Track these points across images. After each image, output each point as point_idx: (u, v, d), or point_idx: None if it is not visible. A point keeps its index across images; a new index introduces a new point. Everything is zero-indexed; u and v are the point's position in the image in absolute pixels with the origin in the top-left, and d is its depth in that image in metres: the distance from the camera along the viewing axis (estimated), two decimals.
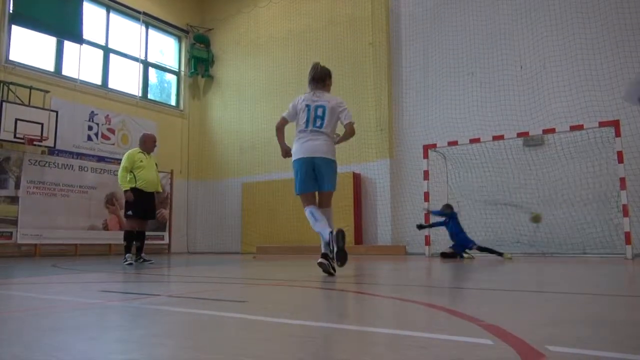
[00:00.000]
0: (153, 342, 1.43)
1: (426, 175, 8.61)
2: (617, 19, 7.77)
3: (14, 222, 8.78)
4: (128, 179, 6.20)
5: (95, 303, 2.34)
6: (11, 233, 8.74)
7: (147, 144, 6.43)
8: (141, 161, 6.26)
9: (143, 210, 6.25)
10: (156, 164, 6.54)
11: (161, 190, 6.94)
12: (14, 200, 8.83)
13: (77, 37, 10.14)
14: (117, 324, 1.80)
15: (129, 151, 6.40)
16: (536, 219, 6.87)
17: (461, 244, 7.10)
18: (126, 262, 5.91)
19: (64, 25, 9.91)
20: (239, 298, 2.49)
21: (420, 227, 7.63)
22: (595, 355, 1.17)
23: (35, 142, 8.86)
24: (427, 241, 8.26)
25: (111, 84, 11.20)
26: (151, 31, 12.46)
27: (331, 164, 3.97)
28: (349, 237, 9.51)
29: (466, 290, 2.89)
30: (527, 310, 2.04)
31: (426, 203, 8.24)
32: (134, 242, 6.29)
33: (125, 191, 6.13)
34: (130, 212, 6.19)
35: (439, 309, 1.95)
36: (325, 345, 1.36)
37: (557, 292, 2.70)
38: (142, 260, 6.27)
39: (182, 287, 3.31)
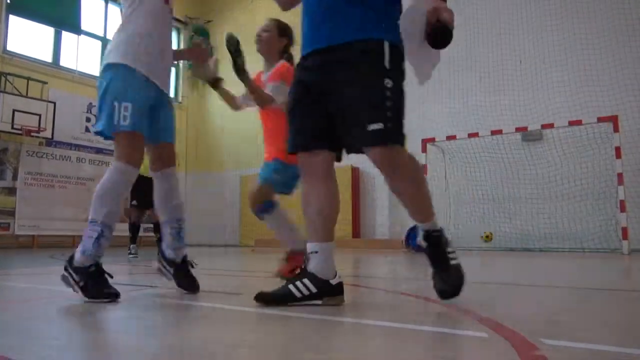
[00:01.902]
0: (149, 332, 1.43)
1: (425, 169, 8.60)
2: (617, 14, 7.74)
3: (12, 213, 8.77)
4: None
5: None
6: (9, 224, 8.73)
7: None
8: None
9: (144, 198, 5.70)
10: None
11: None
12: (11, 191, 8.81)
13: (75, 27, 10.06)
14: (115, 314, 1.81)
15: None
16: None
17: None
18: (130, 254, 5.76)
19: (62, 15, 9.83)
20: (235, 290, 2.49)
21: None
22: (591, 349, 1.17)
23: (33, 134, 8.82)
24: None
25: None
26: None
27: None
28: (347, 231, 9.52)
29: None
30: (522, 303, 2.05)
31: None
32: (155, 234, 6.08)
33: None
34: (134, 202, 5.98)
35: (434, 302, 1.96)
36: (320, 336, 1.36)
37: (553, 286, 2.71)
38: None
39: None
